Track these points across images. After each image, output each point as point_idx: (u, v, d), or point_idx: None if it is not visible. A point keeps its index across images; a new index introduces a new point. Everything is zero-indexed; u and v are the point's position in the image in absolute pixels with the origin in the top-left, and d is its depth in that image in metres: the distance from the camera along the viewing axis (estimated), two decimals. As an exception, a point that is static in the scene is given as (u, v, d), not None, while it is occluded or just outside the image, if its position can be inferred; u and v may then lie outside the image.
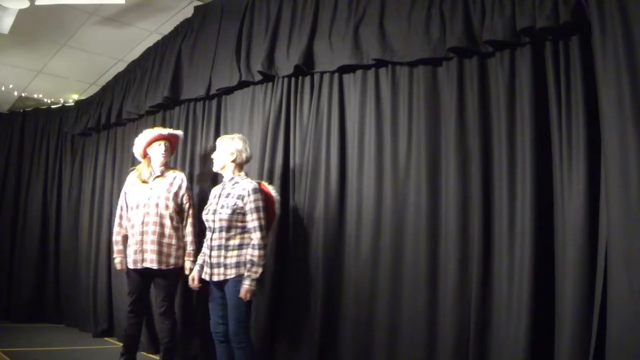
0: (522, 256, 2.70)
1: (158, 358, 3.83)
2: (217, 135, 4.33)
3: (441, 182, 3.11)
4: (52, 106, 6.80)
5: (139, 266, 3.70)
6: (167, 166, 3.97)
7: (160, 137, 3.91)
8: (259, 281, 3.08)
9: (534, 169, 2.73)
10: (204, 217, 3.24)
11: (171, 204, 3.76)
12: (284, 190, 3.79)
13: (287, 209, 3.76)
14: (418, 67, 3.28)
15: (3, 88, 6.19)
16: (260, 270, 3.02)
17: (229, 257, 3.08)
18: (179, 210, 3.81)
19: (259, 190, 3.16)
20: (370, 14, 3.48)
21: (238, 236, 3.10)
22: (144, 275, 3.74)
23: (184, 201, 3.84)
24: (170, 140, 3.98)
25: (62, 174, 6.55)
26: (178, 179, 3.88)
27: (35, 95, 6.53)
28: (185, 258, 3.76)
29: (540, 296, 2.62)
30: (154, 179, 3.86)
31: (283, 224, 3.75)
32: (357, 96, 3.54)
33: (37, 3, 3.92)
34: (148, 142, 3.91)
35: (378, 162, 3.36)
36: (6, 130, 6.95)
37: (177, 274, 3.76)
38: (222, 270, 3.08)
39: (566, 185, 2.63)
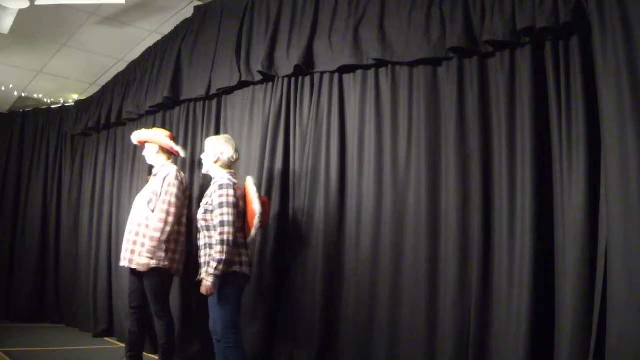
0: (522, 256, 2.69)
1: (157, 358, 3.82)
2: (217, 135, 4.33)
3: (441, 182, 3.11)
4: (52, 106, 6.81)
5: (121, 264, 3.77)
6: (165, 164, 3.89)
7: (140, 142, 4.00)
8: (218, 277, 2.94)
9: (534, 168, 2.73)
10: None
11: (146, 204, 3.73)
12: (284, 190, 3.79)
13: (287, 209, 3.76)
14: (418, 67, 3.28)
15: (3, 88, 6.20)
16: (215, 264, 2.93)
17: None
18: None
19: (227, 186, 3.07)
20: (370, 14, 3.48)
21: None
22: (132, 273, 3.77)
23: (158, 197, 3.69)
24: (153, 143, 3.92)
25: (62, 174, 6.56)
26: (162, 175, 3.78)
27: (35, 95, 6.54)
28: (141, 254, 3.61)
29: (540, 296, 2.62)
30: (152, 178, 3.90)
31: (283, 223, 3.75)
32: (357, 96, 3.54)
33: (37, 3, 3.92)
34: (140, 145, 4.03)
35: (378, 162, 3.36)
36: (6, 130, 6.96)
37: (157, 275, 3.63)
38: (206, 269, 3.06)
39: (566, 185, 2.63)
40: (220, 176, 3.19)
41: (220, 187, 3.08)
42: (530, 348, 2.58)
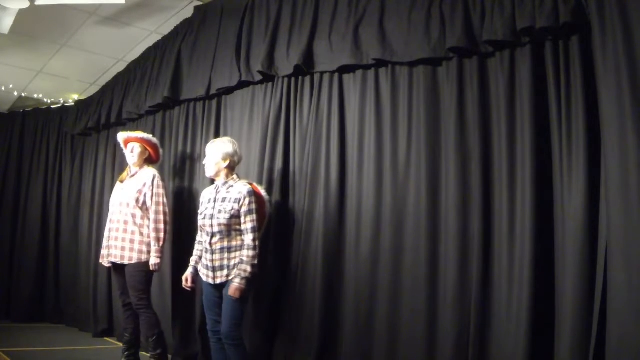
0: (522, 256, 2.69)
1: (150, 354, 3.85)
2: (217, 135, 4.34)
3: (441, 182, 3.11)
4: (52, 106, 6.81)
5: (110, 260, 3.93)
6: (144, 166, 4.08)
7: (127, 141, 4.11)
8: (250, 281, 3.07)
9: (534, 168, 2.73)
10: (200, 221, 3.26)
11: (133, 202, 3.90)
12: (284, 190, 3.79)
13: (287, 209, 3.76)
14: (418, 67, 3.28)
15: (3, 88, 6.20)
16: (249, 269, 3.06)
17: (232, 259, 3.12)
18: (146, 207, 3.91)
19: (254, 193, 3.23)
20: (370, 14, 3.47)
21: (239, 238, 3.14)
22: (118, 270, 3.92)
23: (147, 198, 3.90)
24: (141, 144, 4.07)
25: (62, 174, 6.56)
26: (146, 176, 3.98)
27: (35, 95, 6.54)
28: (151, 254, 3.82)
29: (540, 296, 2.62)
30: (129, 179, 4.03)
31: (283, 223, 3.75)
32: (357, 96, 3.54)
33: (37, 3, 3.92)
34: (123, 145, 4.14)
35: (378, 162, 3.36)
36: (6, 130, 6.96)
37: (142, 269, 3.82)
38: (225, 272, 3.12)
39: (566, 185, 2.63)
40: (238, 182, 3.26)
41: (250, 194, 3.19)
42: (530, 348, 2.58)
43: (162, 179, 4.07)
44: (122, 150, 4.28)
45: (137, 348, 3.93)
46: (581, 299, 2.47)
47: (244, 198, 3.15)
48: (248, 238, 3.11)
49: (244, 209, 3.14)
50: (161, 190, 3.95)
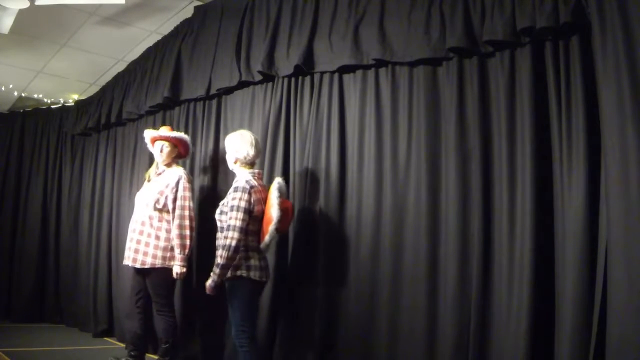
0: (522, 256, 2.69)
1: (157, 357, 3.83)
2: (217, 135, 4.36)
3: (441, 182, 3.11)
4: (52, 106, 6.81)
5: (124, 262, 3.81)
6: (172, 164, 3.92)
7: (155, 139, 3.93)
8: (216, 282, 2.98)
9: (534, 169, 2.73)
10: None
11: (152, 202, 3.73)
12: (284, 190, 3.79)
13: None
14: (418, 67, 3.28)
15: (3, 88, 6.20)
16: (219, 271, 2.94)
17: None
18: (167, 209, 3.74)
19: (242, 189, 3.02)
20: (370, 14, 3.48)
21: None
22: (137, 272, 3.80)
23: (168, 200, 3.72)
24: (172, 142, 3.91)
25: (62, 174, 6.56)
26: (172, 177, 3.80)
27: (35, 95, 6.54)
28: (174, 262, 3.65)
29: (540, 296, 2.62)
30: (156, 177, 3.90)
31: (283, 223, 3.75)
32: (357, 96, 3.54)
33: (37, 3, 3.92)
34: (151, 143, 3.96)
35: (378, 162, 3.36)
36: (6, 130, 6.96)
37: (161, 276, 3.67)
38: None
39: (566, 185, 2.63)
40: (240, 177, 3.14)
41: (235, 189, 3.03)
42: (530, 348, 2.58)
43: (190, 180, 3.87)
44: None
45: (144, 350, 3.88)
46: (581, 298, 2.47)
47: (229, 194, 3.05)
48: (224, 235, 2.95)
49: (228, 204, 3.02)
50: (187, 193, 3.73)
